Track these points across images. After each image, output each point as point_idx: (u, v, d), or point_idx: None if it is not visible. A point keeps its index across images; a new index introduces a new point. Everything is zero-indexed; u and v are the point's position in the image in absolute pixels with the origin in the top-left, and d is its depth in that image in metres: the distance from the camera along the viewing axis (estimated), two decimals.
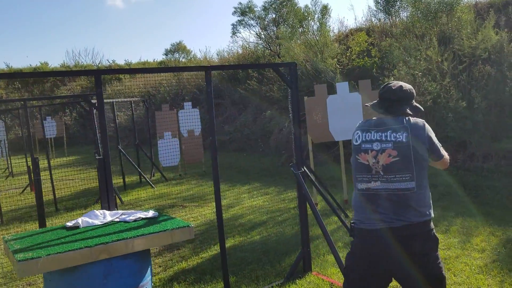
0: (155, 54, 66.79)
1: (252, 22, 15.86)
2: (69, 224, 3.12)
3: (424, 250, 2.40)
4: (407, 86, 2.64)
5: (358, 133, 2.60)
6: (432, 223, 2.48)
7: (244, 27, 16.23)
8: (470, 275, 4.11)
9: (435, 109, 8.21)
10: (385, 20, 11.59)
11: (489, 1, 10.55)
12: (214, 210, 7.45)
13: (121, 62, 29.62)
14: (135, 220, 3.19)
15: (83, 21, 50.77)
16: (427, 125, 2.51)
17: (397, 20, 11.13)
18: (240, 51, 17.06)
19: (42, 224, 5.58)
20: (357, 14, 45.91)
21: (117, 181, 10.28)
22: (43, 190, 9.78)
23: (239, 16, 16.16)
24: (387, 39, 10.67)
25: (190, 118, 11.01)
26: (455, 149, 7.99)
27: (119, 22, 54.28)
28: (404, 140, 2.43)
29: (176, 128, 11.10)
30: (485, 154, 7.51)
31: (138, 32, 52.16)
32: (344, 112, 6.72)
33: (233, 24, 16.83)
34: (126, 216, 3.27)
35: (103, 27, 51.87)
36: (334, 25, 34.73)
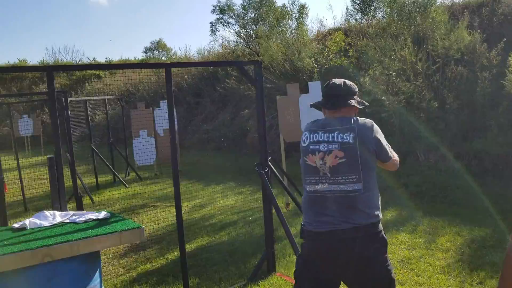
0: (136, 52, 66.33)
1: (231, 20, 15.78)
2: (15, 225, 3.01)
3: (372, 252, 2.36)
4: (350, 82, 2.61)
5: (306, 134, 2.55)
6: (380, 225, 2.44)
7: (223, 25, 16.15)
8: (432, 275, 4.10)
9: (408, 109, 8.24)
10: (361, 20, 11.61)
11: (464, 2, 10.63)
12: (186, 210, 7.42)
13: (101, 60, 29.28)
14: (85, 222, 3.09)
15: (64, 18, 50.14)
16: (375, 126, 2.47)
17: (373, 20, 11.15)
18: (220, 49, 17.01)
19: (4, 223, 5.43)
20: (336, 14, 46.20)
21: (90, 180, 10.13)
22: (13, 190, 9.64)
23: (218, 14, 16.08)
24: (364, 39, 10.69)
25: (166, 117, 10.85)
26: (428, 149, 8.03)
27: (101, 20, 53.75)
28: (350, 141, 2.39)
29: (152, 126, 10.96)
30: (457, 154, 7.55)
31: (120, 30, 51.71)
32: (316, 112, 6.66)
33: (211, 22, 16.77)
34: (76, 217, 3.17)
35: (85, 24, 51.31)
36: (313, 24, 34.87)
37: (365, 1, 10.95)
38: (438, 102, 7.84)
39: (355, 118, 2.47)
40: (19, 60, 27.95)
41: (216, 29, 16.50)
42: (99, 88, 23.13)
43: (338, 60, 10.96)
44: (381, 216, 2.44)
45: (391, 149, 2.54)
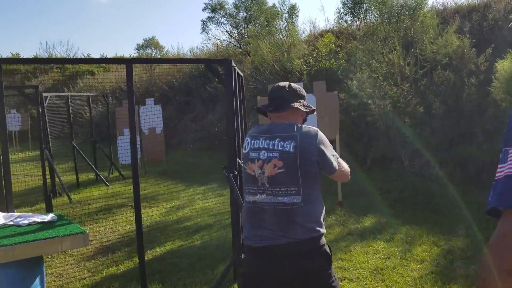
0: (131, 49, 66.00)
1: (223, 19, 15.61)
2: None
3: (313, 268, 2.19)
4: (296, 85, 2.45)
5: (247, 140, 2.39)
6: (323, 239, 2.27)
7: (215, 24, 15.96)
8: (403, 287, 3.95)
9: (394, 114, 8.09)
10: (351, 22, 11.46)
11: (456, 7, 10.50)
12: (163, 211, 7.25)
13: (96, 56, 29.05)
14: (28, 224, 2.92)
15: (62, 13, 49.85)
16: (320, 135, 2.28)
17: (363, 22, 11.01)
18: (213, 48, 16.82)
19: None
20: (329, 15, 46.02)
21: (71, 178, 9.96)
22: None
23: (210, 12, 15.90)
24: (354, 41, 10.54)
25: (152, 115, 10.71)
26: (412, 154, 7.89)
27: (99, 16, 53.45)
28: (291, 150, 2.22)
29: (137, 124, 10.78)
30: (442, 160, 7.40)
31: (117, 27, 51.45)
32: None
33: (203, 21, 16.55)
34: (21, 219, 3.00)
35: (83, 20, 51.02)
36: (305, 26, 34.72)
37: (356, 3, 10.81)
38: (424, 107, 7.69)
39: (299, 125, 2.30)
40: (12, 54, 27.70)
41: (207, 27, 16.35)
42: (91, 85, 22.94)
43: (328, 62, 10.81)
44: (323, 230, 2.28)
45: (339, 159, 2.35)
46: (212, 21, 15.82)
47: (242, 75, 6.36)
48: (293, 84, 2.43)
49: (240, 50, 14.65)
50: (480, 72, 7.54)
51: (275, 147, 2.24)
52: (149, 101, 10.81)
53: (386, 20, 8.54)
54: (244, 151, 2.37)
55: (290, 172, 2.19)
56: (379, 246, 4.96)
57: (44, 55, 28.68)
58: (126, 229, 6.27)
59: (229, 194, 7.33)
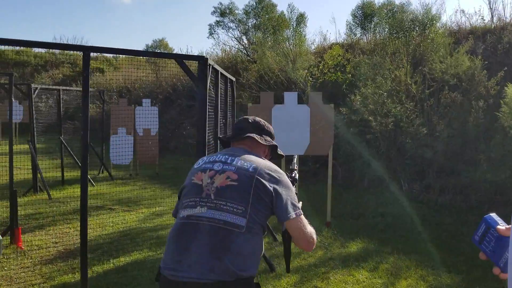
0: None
1: (232, 24, 15.28)
2: None
3: None
4: (263, 121, 2.29)
5: (203, 158, 2.14)
6: (253, 281, 1.87)
7: (223, 28, 15.64)
8: None
9: (396, 133, 7.64)
10: (361, 35, 11.07)
11: (471, 28, 10.06)
12: (141, 217, 6.86)
13: (107, 54, 28.94)
14: None
15: (84, 12, 50.20)
16: (284, 176, 1.99)
17: (372, 36, 10.61)
18: (221, 54, 16.51)
19: None
20: (340, 27, 45.66)
21: (56, 174, 9.62)
22: None
23: (218, 16, 15.59)
24: (362, 55, 10.14)
25: (147, 116, 10.37)
26: (412, 178, 7.42)
27: (120, 16, 53.65)
28: (250, 169, 1.93)
29: (132, 125, 10.46)
30: (442, 187, 6.93)
31: (135, 27, 51.62)
32: (290, 125, 6.13)
33: (210, 25, 16.24)
34: None
35: (104, 19, 51.28)
36: (315, 37, 34.32)
37: (366, 16, 10.41)
38: (428, 128, 7.23)
39: (263, 157, 2.11)
40: (24, 48, 27.68)
41: (214, 31, 16.03)
42: (99, 82, 22.77)
43: (334, 75, 10.41)
44: (255, 271, 1.89)
45: (301, 215, 1.95)
46: (221, 25, 15.53)
47: (234, 79, 5.99)
48: (258, 119, 2.27)
49: (247, 57, 14.31)
50: (489, 96, 7.08)
51: (233, 162, 1.98)
52: (146, 102, 10.48)
53: (395, 35, 8.12)
54: (195, 166, 2.09)
55: (243, 187, 1.89)
56: (361, 276, 4.50)
57: (57, 49, 28.58)
58: (96, 234, 5.88)
59: None
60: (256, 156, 2.05)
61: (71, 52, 28.86)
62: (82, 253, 3.38)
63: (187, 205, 1.94)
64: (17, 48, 27.35)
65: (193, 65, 4.13)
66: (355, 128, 8.27)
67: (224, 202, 1.85)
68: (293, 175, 2.40)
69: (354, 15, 10.95)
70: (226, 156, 2.02)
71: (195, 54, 24.72)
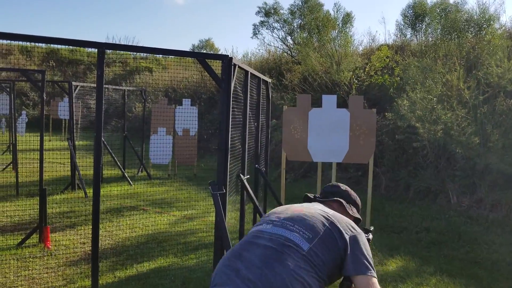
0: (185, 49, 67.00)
1: (276, 25, 14.96)
2: None
3: None
4: (354, 194, 2.23)
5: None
6: None
7: (267, 28, 15.34)
8: None
9: (446, 142, 7.10)
10: (411, 36, 10.47)
11: None
12: (172, 220, 6.70)
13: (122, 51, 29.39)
14: None
15: (137, 12, 51.51)
16: (361, 233, 1.80)
17: (423, 37, 10.01)
18: (266, 55, 16.26)
19: None
20: (390, 28, 44.14)
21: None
22: (28, 171, 9.33)
23: (263, 17, 15.31)
24: (412, 57, 9.58)
25: (187, 117, 10.27)
26: (462, 191, 6.86)
27: (173, 16, 54.61)
28: (326, 215, 1.83)
29: (171, 125, 10.40)
30: (495, 202, 6.35)
31: (186, 27, 52.37)
32: (327, 130, 5.77)
33: (254, 25, 15.95)
34: None
35: (156, 19, 52.41)
36: (363, 38, 33.29)
37: (417, 16, 9.83)
38: (480, 138, 6.65)
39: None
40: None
41: (258, 32, 15.77)
42: (147, 82, 23.13)
43: (380, 77, 9.91)
44: None
45: (374, 273, 1.68)
46: (265, 25, 15.25)
47: (269, 80, 5.70)
48: (350, 189, 2.24)
49: (292, 58, 13.98)
50: None
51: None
52: (186, 102, 10.38)
53: (448, 36, 7.56)
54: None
55: (315, 223, 1.75)
56: None
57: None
58: (125, 235, 5.76)
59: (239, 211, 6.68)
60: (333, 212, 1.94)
61: (123, 51, 29.61)
62: (93, 258, 3.20)
63: (257, 224, 1.86)
64: (71, 47, 28.33)
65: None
66: (401, 135, 7.78)
67: (291, 223, 1.73)
68: (368, 235, 2.12)
69: (404, 15, 10.39)
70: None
71: (240, 54, 24.65)
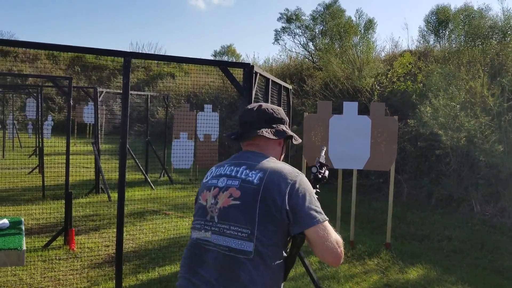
0: (207, 55, 67.49)
1: (298, 31, 15.01)
2: None
3: None
4: (270, 106, 1.93)
5: (212, 169, 1.89)
6: None
7: (289, 35, 15.40)
8: None
9: (469, 150, 7.01)
10: (434, 43, 10.38)
11: None
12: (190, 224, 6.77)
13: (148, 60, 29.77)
14: None
15: (159, 17, 52.25)
16: (301, 179, 1.68)
17: (446, 43, 9.91)
18: (287, 61, 16.32)
19: None
20: (413, 34, 43.67)
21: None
22: (53, 174, 9.57)
23: (284, 23, 15.38)
24: (435, 64, 9.50)
25: (208, 122, 10.38)
26: (485, 199, 6.76)
27: (194, 21, 55.20)
28: (255, 181, 1.66)
29: (193, 130, 10.52)
30: None
31: (206, 32, 52.85)
32: (348, 137, 5.77)
33: (276, 30, 16.03)
34: None
35: (176, 23, 53.05)
36: (385, 44, 32.98)
37: (441, 22, 9.75)
38: (504, 145, 6.56)
39: (273, 159, 1.79)
40: None
41: (280, 37, 15.84)
42: (169, 87, 23.44)
43: (403, 84, 9.84)
44: None
45: (325, 221, 1.65)
46: (286, 31, 15.32)
47: (290, 87, 5.73)
48: (265, 105, 1.92)
49: (313, 64, 14.00)
50: None
51: (238, 175, 1.73)
52: (207, 107, 10.49)
53: (471, 43, 7.48)
54: (204, 180, 1.87)
55: (247, 207, 1.65)
56: None
57: None
58: (147, 239, 5.86)
59: None
60: (266, 157, 1.77)
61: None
62: (117, 260, 3.28)
63: (194, 226, 1.79)
64: None
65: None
66: (423, 142, 7.72)
67: (227, 226, 1.65)
68: (323, 171, 2.02)
69: (427, 21, 10.31)
70: (232, 168, 1.76)
71: (262, 60, 24.77)
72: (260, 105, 1.91)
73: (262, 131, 1.81)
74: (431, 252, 5.67)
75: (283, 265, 1.68)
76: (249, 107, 1.93)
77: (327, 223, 1.64)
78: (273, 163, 1.74)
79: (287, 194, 1.62)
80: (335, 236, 1.65)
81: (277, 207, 1.61)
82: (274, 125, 1.85)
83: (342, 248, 1.65)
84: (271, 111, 1.88)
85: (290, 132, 1.88)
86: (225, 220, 1.66)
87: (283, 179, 1.65)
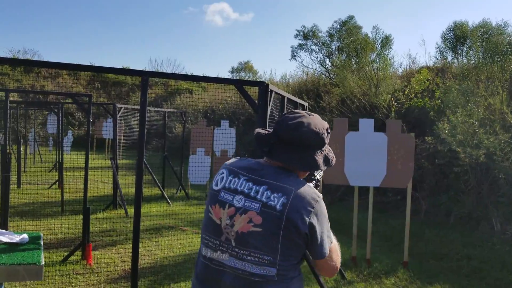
0: (224, 72, 68.12)
1: (315, 47, 15.10)
2: None
3: None
4: (313, 125, 1.70)
5: (223, 172, 1.76)
6: None
7: (306, 51, 15.51)
8: None
9: (488, 167, 6.91)
10: (452, 59, 10.33)
11: None
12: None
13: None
14: None
15: (177, 33, 53.07)
16: (320, 205, 1.65)
17: (464, 60, 9.84)
18: (304, 77, 16.39)
19: (3, 225, 5.21)
20: (430, 51, 43.43)
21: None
22: (72, 189, 9.71)
23: (301, 39, 15.51)
24: (453, 80, 9.44)
25: (225, 137, 10.45)
26: (505, 217, 6.63)
27: (213, 38, 55.88)
28: (278, 206, 1.60)
29: (210, 145, 10.60)
30: None
31: (223, 48, 53.41)
32: (364, 154, 5.74)
33: (293, 47, 16.18)
34: None
35: (196, 40, 53.74)
36: (403, 60, 32.93)
37: (458, 38, 9.70)
38: None
39: (299, 179, 1.70)
40: (122, 67, 29.70)
41: (297, 54, 15.95)
42: (187, 103, 23.69)
43: (420, 100, 9.78)
44: None
45: (332, 242, 1.70)
46: (303, 48, 15.43)
47: (306, 104, 5.77)
48: (307, 122, 1.69)
49: (330, 80, 14.03)
50: None
51: (258, 196, 1.63)
52: (224, 123, 10.56)
53: (490, 59, 7.42)
54: (215, 186, 1.74)
55: (269, 235, 1.59)
56: None
57: (152, 70, 30.33)
58: (163, 255, 5.89)
59: None
60: (288, 175, 1.66)
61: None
62: (132, 276, 3.31)
63: (207, 244, 1.72)
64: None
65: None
66: (441, 159, 7.63)
67: (247, 252, 1.61)
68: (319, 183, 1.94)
69: (444, 38, 10.29)
70: (250, 185, 1.64)
71: (279, 76, 24.92)
72: (302, 123, 1.68)
73: (296, 170, 1.70)
74: (450, 272, 5.57)
75: (300, 280, 1.70)
76: (289, 119, 1.71)
77: (333, 244, 1.69)
78: (296, 184, 1.65)
79: (307, 222, 1.60)
80: (336, 255, 1.71)
81: (299, 233, 1.60)
82: (311, 152, 1.69)
83: (339, 264, 1.74)
84: (319, 132, 1.69)
85: (322, 165, 1.71)
86: (244, 246, 1.61)
87: (306, 205, 1.61)
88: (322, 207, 1.65)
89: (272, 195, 1.61)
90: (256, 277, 1.60)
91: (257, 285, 1.60)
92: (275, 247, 1.58)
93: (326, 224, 1.67)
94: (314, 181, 1.84)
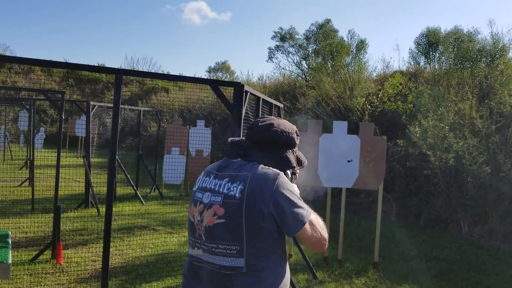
0: (201, 71, 67.87)
1: (291, 49, 15.22)
2: None
3: None
4: (282, 125, 1.82)
5: (201, 175, 1.88)
6: None
7: (283, 53, 15.61)
8: None
9: (457, 171, 7.10)
10: (424, 64, 10.57)
11: None
12: (182, 240, 6.77)
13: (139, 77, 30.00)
14: None
15: (154, 32, 52.57)
16: (282, 179, 1.68)
17: (436, 65, 10.08)
18: (281, 78, 16.47)
19: None
20: (404, 55, 44.26)
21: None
22: (43, 187, 9.52)
23: (278, 41, 15.60)
24: (425, 85, 9.65)
25: (200, 137, 10.43)
26: (473, 220, 6.82)
27: (190, 37, 55.53)
28: (236, 195, 1.65)
29: (185, 145, 10.56)
30: (507, 233, 6.30)
31: (200, 47, 53.16)
32: (337, 156, 5.83)
33: (270, 48, 16.28)
34: None
35: (173, 39, 53.35)
36: (377, 64, 33.56)
37: (431, 44, 9.93)
38: (492, 167, 6.65)
39: (257, 165, 1.72)
40: (98, 64, 29.24)
41: (274, 56, 16.04)
42: (163, 101, 23.50)
43: (393, 104, 9.97)
44: None
45: (311, 214, 1.71)
46: (280, 50, 15.53)
47: (281, 105, 5.81)
48: (277, 125, 1.81)
49: (306, 82, 14.15)
50: None
51: (220, 189, 1.71)
52: (200, 123, 10.55)
53: (460, 65, 7.63)
54: (194, 188, 1.88)
55: (232, 224, 1.65)
56: None
57: (127, 68, 29.96)
58: (135, 254, 5.84)
59: None
60: (251, 164, 1.71)
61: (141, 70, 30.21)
62: (103, 276, 3.28)
63: (189, 242, 1.83)
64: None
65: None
66: (412, 162, 7.79)
67: (215, 245, 1.68)
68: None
69: (418, 43, 10.52)
70: (216, 181, 1.73)
71: (256, 77, 24.98)
72: (272, 124, 1.81)
73: (268, 164, 1.74)
74: (419, 272, 5.69)
75: (281, 271, 1.71)
76: (260, 122, 1.83)
77: (312, 216, 1.70)
78: (253, 169, 1.69)
79: (271, 201, 1.63)
80: (319, 226, 1.72)
81: (263, 216, 1.62)
82: (281, 151, 1.79)
83: (326, 236, 1.73)
84: (283, 133, 1.79)
85: (294, 163, 1.80)
86: (212, 239, 1.68)
87: (263, 185, 1.64)
88: (283, 182, 1.67)
89: (232, 186, 1.68)
90: (226, 270, 1.65)
91: (229, 279, 1.64)
92: (240, 233, 1.62)
93: (293, 196, 1.66)
94: (290, 170, 1.84)
